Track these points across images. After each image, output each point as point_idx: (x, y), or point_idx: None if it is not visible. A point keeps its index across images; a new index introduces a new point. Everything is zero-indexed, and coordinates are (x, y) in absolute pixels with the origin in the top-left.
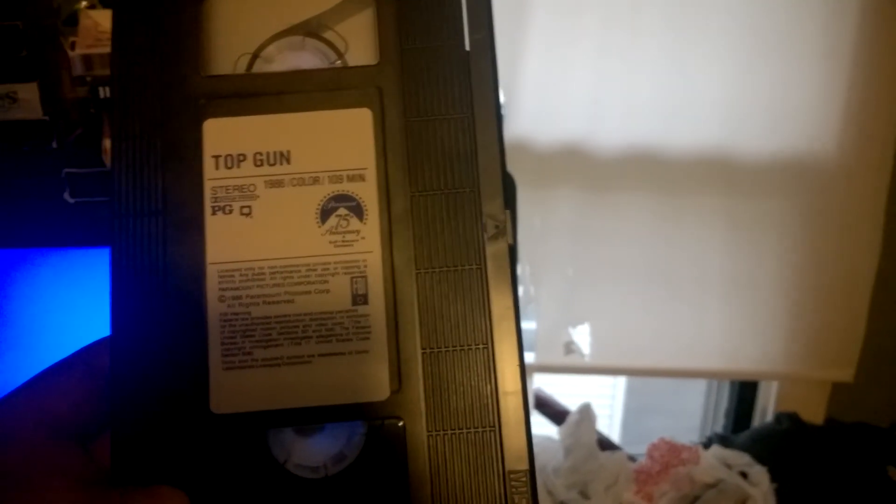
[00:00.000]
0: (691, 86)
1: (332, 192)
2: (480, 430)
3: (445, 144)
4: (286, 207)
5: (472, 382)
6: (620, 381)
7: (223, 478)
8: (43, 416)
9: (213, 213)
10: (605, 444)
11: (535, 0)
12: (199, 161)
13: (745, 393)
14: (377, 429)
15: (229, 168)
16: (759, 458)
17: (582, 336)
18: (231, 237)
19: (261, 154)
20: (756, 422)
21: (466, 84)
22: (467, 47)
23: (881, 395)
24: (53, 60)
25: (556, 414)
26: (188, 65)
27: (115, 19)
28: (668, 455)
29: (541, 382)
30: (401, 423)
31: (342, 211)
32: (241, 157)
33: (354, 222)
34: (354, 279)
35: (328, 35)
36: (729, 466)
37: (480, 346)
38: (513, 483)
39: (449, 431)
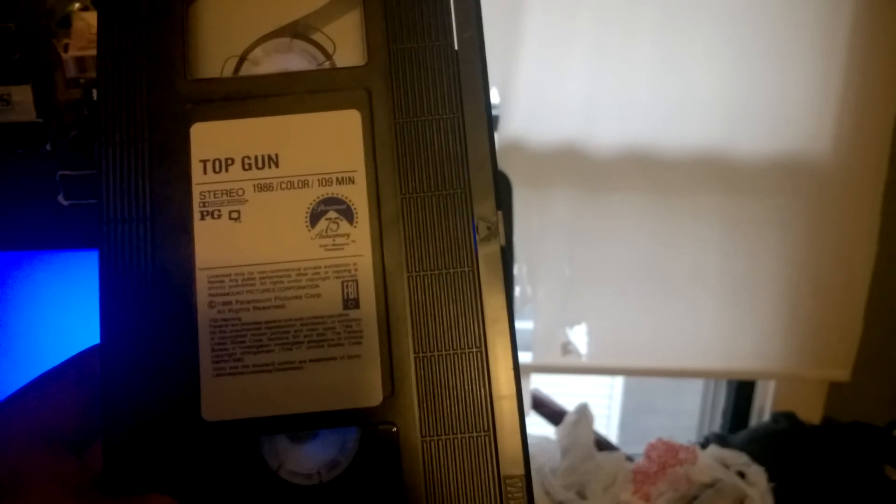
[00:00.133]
0: (687, 85)
1: (322, 195)
2: (475, 434)
3: (435, 145)
4: (275, 211)
5: (466, 386)
6: (618, 382)
7: (216, 486)
8: (36, 424)
9: (202, 218)
10: (602, 445)
11: None
12: (187, 165)
13: (742, 392)
14: (371, 434)
15: (217, 172)
16: (757, 458)
17: (579, 336)
18: (220, 242)
19: (249, 158)
20: (753, 421)
21: (456, 84)
22: (456, 46)
23: (878, 395)
24: (47, 63)
25: (553, 414)
26: (175, 68)
27: (100, 23)
28: (666, 455)
29: (538, 382)
30: (394, 429)
31: (332, 214)
32: (230, 161)
33: (344, 225)
34: (345, 283)
35: (316, 36)
36: (726, 466)
37: (474, 350)
38: (508, 488)
39: (443, 436)
